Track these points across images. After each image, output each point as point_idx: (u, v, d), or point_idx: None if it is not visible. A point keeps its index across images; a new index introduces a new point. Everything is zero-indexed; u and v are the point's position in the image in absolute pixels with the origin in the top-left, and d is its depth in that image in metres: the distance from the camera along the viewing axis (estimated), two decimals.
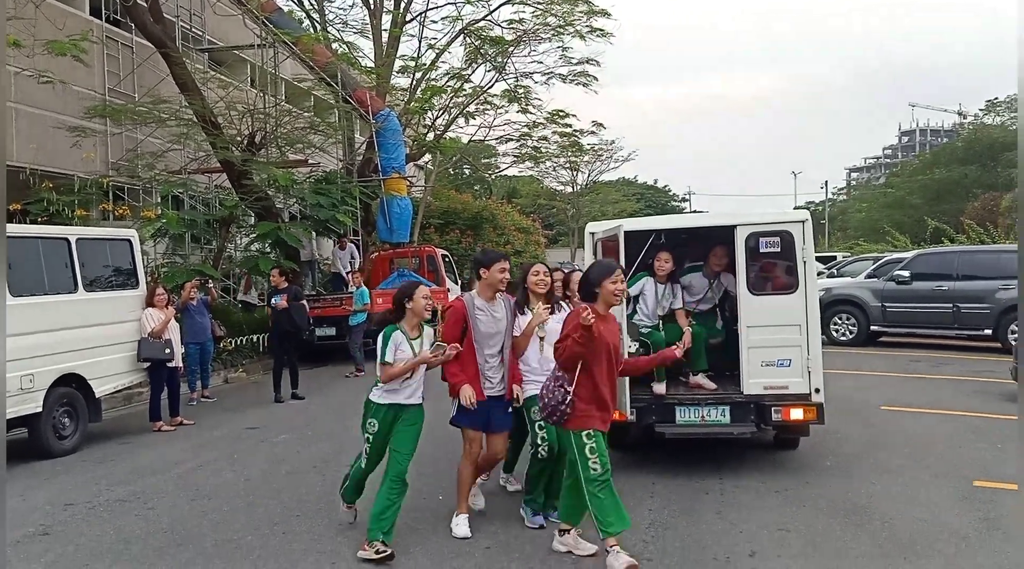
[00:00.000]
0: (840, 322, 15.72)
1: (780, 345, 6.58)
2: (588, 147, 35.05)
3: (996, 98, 36.60)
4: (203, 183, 17.85)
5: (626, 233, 6.58)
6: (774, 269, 6.79)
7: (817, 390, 6.49)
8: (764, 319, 6.63)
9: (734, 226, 6.77)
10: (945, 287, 14.41)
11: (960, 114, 63.92)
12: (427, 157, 26.59)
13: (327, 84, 18.18)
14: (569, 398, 4.62)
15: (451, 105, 22.68)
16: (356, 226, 17.81)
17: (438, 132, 22.84)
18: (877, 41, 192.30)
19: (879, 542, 5.00)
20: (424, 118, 21.79)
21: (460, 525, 5.26)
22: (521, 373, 5.54)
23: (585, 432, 4.63)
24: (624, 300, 5.60)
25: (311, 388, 11.97)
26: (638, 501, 5.88)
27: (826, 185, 59.18)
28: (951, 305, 14.31)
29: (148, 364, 9.26)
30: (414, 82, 21.25)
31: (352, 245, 17.87)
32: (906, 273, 14.96)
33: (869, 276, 16.51)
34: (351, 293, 14.82)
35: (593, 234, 7.09)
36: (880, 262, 17.62)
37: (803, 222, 6.66)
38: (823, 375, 6.49)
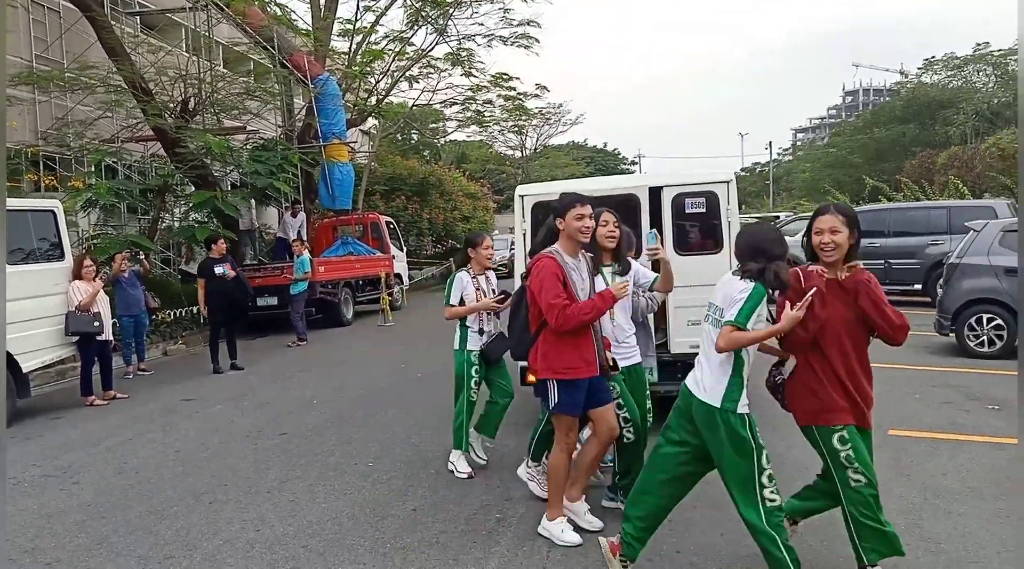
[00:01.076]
0: None
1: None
2: (535, 111, 34.93)
3: (933, 57, 37.42)
4: (137, 152, 17.38)
5: (547, 203, 6.55)
6: (699, 229, 6.89)
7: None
8: (690, 279, 6.69)
9: (661, 187, 6.83)
10: (878, 244, 14.78)
11: (901, 73, 65.05)
12: (371, 122, 26.22)
13: (263, 48, 17.75)
14: None
15: (393, 69, 22.36)
16: (295, 195, 17.53)
17: (380, 97, 22.51)
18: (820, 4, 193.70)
19: (793, 489, 5.15)
20: (365, 82, 21.43)
21: (566, 531, 4.46)
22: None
23: None
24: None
25: (251, 359, 11.88)
26: None
27: (770, 146, 60.21)
28: (883, 261, 14.69)
29: (77, 338, 9.06)
30: (353, 46, 20.86)
31: (303, 213, 17.65)
32: None
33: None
34: (292, 262, 14.66)
35: (524, 197, 7.01)
36: None
37: (727, 183, 6.75)
38: None
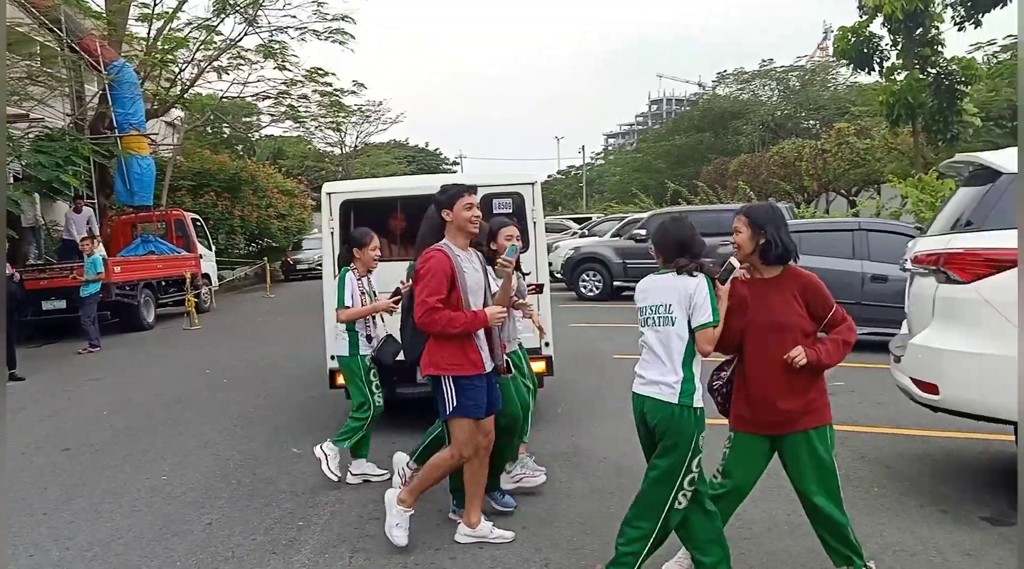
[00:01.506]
0: (588, 278, 16.80)
1: None
2: (354, 108, 34.37)
3: (725, 71, 40.59)
4: None
5: (355, 201, 6.51)
6: None
7: (547, 344, 6.84)
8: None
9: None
10: None
11: (699, 85, 70.02)
12: (178, 114, 24.70)
13: (48, 30, 16.25)
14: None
15: (200, 58, 21.20)
16: (84, 190, 16.16)
17: (185, 87, 21.26)
18: (634, 15, 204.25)
19: (592, 482, 5.41)
20: (166, 71, 20.16)
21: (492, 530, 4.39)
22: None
23: None
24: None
25: (35, 367, 10.85)
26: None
27: (583, 149, 62.74)
28: None
29: None
30: (153, 32, 19.56)
31: (89, 209, 16.22)
32: (643, 232, 16.22)
33: (613, 235, 17.76)
34: (82, 262, 13.52)
35: (331, 195, 6.82)
36: (623, 222, 19.01)
37: (533, 185, 6.95)
38: (552, 329, 6.85)
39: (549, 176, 78.64)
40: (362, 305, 5.55)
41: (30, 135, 15.98)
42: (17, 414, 8.18)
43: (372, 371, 5.56)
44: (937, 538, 4.16)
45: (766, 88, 38.50)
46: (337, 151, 49.12)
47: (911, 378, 4.80)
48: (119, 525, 4.86)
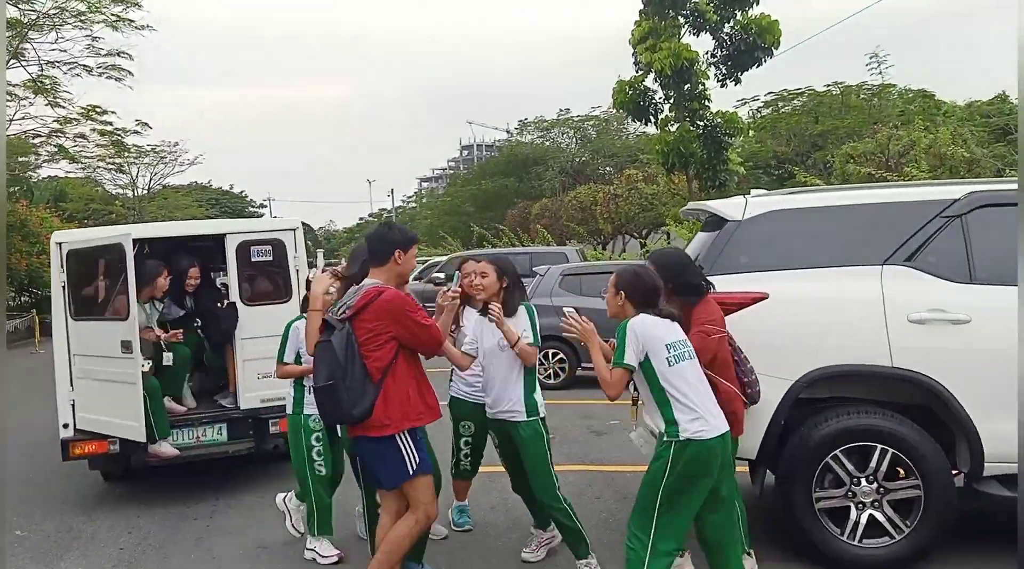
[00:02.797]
0: None
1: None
2: (146, 147, 32.32)
3: (526, 118, 42.13)
4: None
5: (101, 246, 5.95)
6: (266, 278, 6.70)
7: None
8: (259, 330, 6.45)
9: (224, 235, 6.52)
10: None
11: (508, 132, 72.38)
12: None
13: None
14: None
15: None
16: None
17: None
18: (437, 63, 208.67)
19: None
20: None
21: None
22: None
23: None
24: None
25: None
26: (114, 538, 5.35)
27: (392, 193, 62.70)
28: None
29: None
30: None
31: None
32: (441, 275, 16.26)
33: (415, 278, 17.70)
34: None
35: (61, 245, 6.19)
36: (425, 265, 19.02)
37: (294, 230, 6.67)
38: None
39: (361, 219, 77.94)
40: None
41: None
42: None
43: (315, 434, 4.85)
44: None
45: (564, 136, 40.33)
46: (130, 194, 45.86)
47: None
48: None
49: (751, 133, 25.68)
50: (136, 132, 26.19)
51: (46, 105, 21.42)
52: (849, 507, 4.29)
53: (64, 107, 21.77)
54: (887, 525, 4.26)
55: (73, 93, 29.46)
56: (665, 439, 3.46)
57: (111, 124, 23.70)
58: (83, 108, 22.29)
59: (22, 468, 7.45)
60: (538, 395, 4.37)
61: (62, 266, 6.17)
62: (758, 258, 4.56)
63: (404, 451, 3.70)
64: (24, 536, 5.59)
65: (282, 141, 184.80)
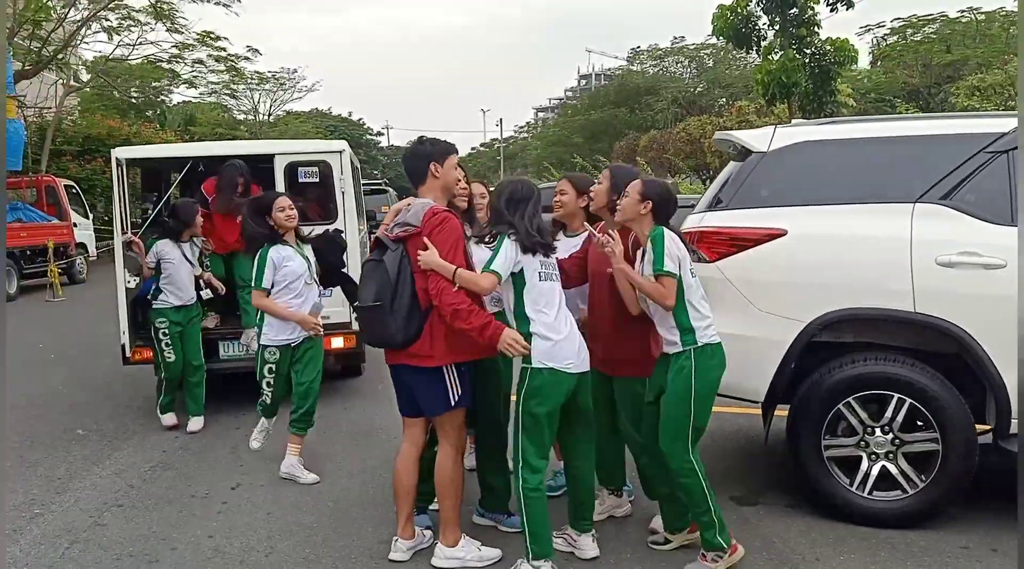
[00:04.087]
0: None
1: None
2: (266, 74, 33.25)
3: (639, 47, 40.73)
4: None
5: (152, 159, 6.19)
6: (313, 200, 6.80)
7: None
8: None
9: (273, 154, 6.65)
10: None
11: (628, 59, 70.12)
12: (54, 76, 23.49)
13: None
14: None
15: (78, 18, 20.17)
16: None
17: (58, 47, 20.19)
18: None
19: (376, 456, 5.30)
20: (39, 29, 19.10)
21: (483, 548, 3.75)
22: None
23: None
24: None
25: None
26: (160, 442, 5.70)
27: (501, 122, 62.36)
28: None
29: None
30: None
31: None
32: None
33: None
34: None
35: (119, 160, 6.46)
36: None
37: (340, 153, 6.73)
38: None
39: (473, 149, 78.10)
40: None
41: None
42: None
43: (269, 366, 4.97)
44: None
45: (678, 66, 38.79)
46: (251, 118, 47.64)
47: None
48: None
49: (878, 63, 23.89)
50: (247, 58, 26.93)
51: (166, 31, 22.23)
52: (861, 457, 4.05)
53: (182, 32, 22.52)
54: (900, 478, 4.00)
55: (189, 19, 30.61)
56: (682, 349, 3.50)
57: (224, 51, 24.43)
58: (198, 34, 23.02)
59: (105, 372, 8.04)
60: None
61: (120, 182, 6.45)
62: (781, 192, 4.26)
63: (448, 382, 3.55)
64: (85, 434, 6.05)
65: (401, 71, 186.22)
